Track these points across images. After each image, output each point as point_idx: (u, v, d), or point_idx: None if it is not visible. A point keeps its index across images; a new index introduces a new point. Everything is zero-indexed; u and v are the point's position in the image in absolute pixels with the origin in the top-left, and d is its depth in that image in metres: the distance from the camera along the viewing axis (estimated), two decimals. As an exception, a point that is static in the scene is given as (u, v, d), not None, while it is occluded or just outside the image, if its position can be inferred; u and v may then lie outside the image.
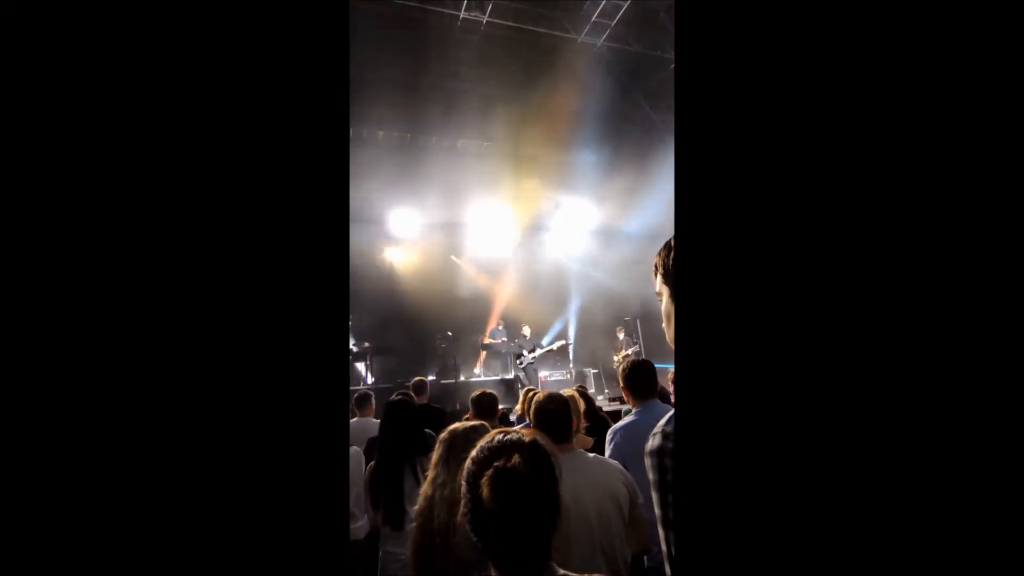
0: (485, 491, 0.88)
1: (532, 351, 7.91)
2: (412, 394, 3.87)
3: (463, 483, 0.94)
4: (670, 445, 0.75)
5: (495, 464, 0.90)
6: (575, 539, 1.54)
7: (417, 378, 4.33)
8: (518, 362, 7.96)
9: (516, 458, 0.90)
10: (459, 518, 0.98)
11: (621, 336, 8.67)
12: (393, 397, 2.39)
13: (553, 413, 1.77)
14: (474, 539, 0.91)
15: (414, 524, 1.49)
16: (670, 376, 3.80)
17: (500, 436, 0.97)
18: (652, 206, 8.89)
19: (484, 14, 6.88)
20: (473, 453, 0.96)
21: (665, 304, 0.81)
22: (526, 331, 8.16)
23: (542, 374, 8.09)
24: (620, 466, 1.79)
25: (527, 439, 0.95)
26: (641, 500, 1.67)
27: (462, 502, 0.94)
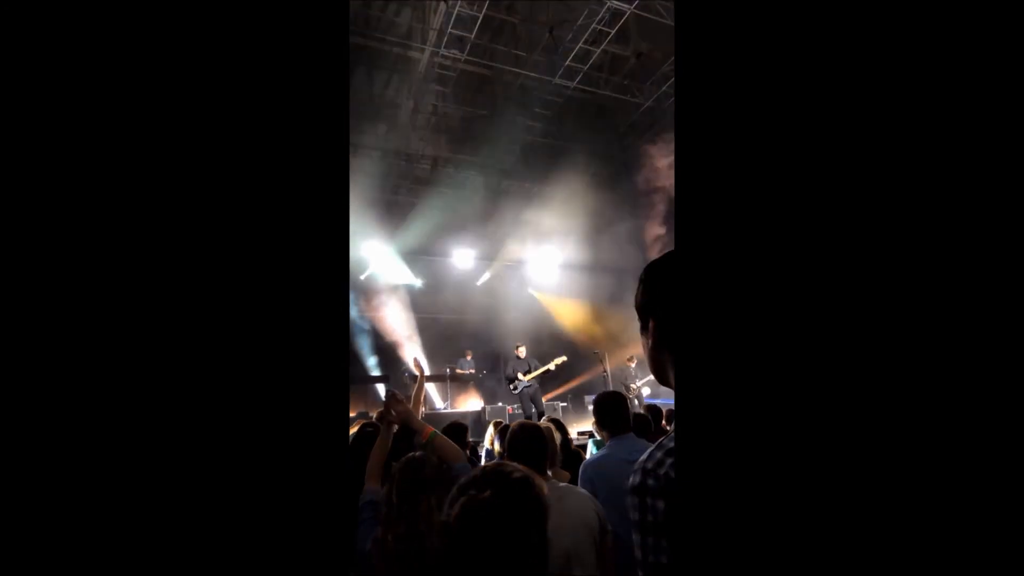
0: (452, 520, 0.80)
1: (526, 373, 7.02)
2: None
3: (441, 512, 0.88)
4: (651, 483, 0.71)
5: (469, 493, 0.82)
6: (552, 573, 1.48)
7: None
8: (512, 387, 7.06)
9: (488, 492, 0.81)
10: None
11: (633, 366, 7.97)
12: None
13: (527, 443, 1.70)
14: None
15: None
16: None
17: (491, 467, 0.88)
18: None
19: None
20: (461, 481, 0.87)
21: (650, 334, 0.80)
22: (521, 351, 7.28)
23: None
24: (588, 494, 1.72)
25: (516, 474, 0.85)
26: (610, 528, 1.62)
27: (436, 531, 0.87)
